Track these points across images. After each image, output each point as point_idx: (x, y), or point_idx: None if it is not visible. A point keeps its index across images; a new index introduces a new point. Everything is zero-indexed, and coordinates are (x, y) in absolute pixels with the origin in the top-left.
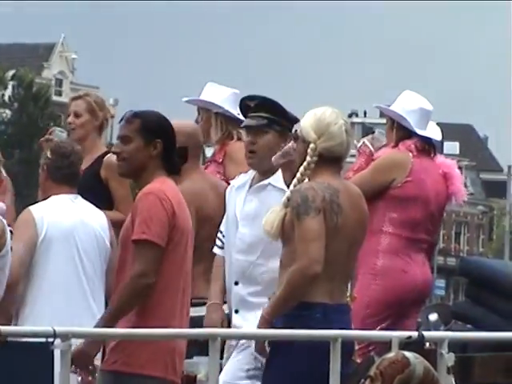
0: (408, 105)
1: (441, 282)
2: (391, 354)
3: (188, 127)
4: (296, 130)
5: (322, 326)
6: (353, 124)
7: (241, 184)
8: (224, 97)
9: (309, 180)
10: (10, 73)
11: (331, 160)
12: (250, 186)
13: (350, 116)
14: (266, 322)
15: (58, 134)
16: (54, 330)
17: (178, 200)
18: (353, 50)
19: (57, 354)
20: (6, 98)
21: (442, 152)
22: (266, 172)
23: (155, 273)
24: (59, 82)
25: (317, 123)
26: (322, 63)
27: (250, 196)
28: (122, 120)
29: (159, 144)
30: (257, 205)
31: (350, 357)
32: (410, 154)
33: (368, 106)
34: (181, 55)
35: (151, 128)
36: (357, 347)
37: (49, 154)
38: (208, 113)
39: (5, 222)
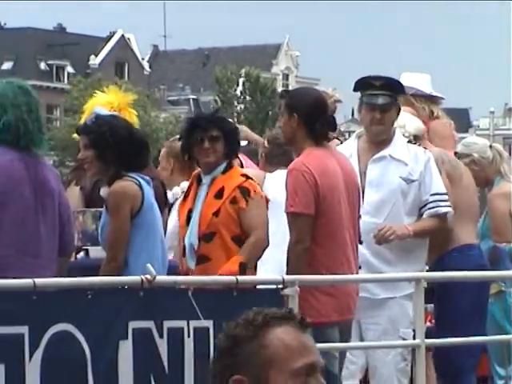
0: None
1: None
2: None
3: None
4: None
5: (480, 263)
6: None
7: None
8: (417, 81)
9: None
10: (242, 71)
11: None
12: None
13: None
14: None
15: None
16: (283, 278)
17: (322, 169)
18: None
19: None
20: (238, 92)
21: None
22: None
23: (309, 238)
24: (286, 77)
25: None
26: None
27: (370, 165)
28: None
29: (293, 118)
30: (378, 173)
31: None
32: None
33: None
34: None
35: (290, 103)
36: None
37: (266, 144)
38: (406, 97)
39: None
